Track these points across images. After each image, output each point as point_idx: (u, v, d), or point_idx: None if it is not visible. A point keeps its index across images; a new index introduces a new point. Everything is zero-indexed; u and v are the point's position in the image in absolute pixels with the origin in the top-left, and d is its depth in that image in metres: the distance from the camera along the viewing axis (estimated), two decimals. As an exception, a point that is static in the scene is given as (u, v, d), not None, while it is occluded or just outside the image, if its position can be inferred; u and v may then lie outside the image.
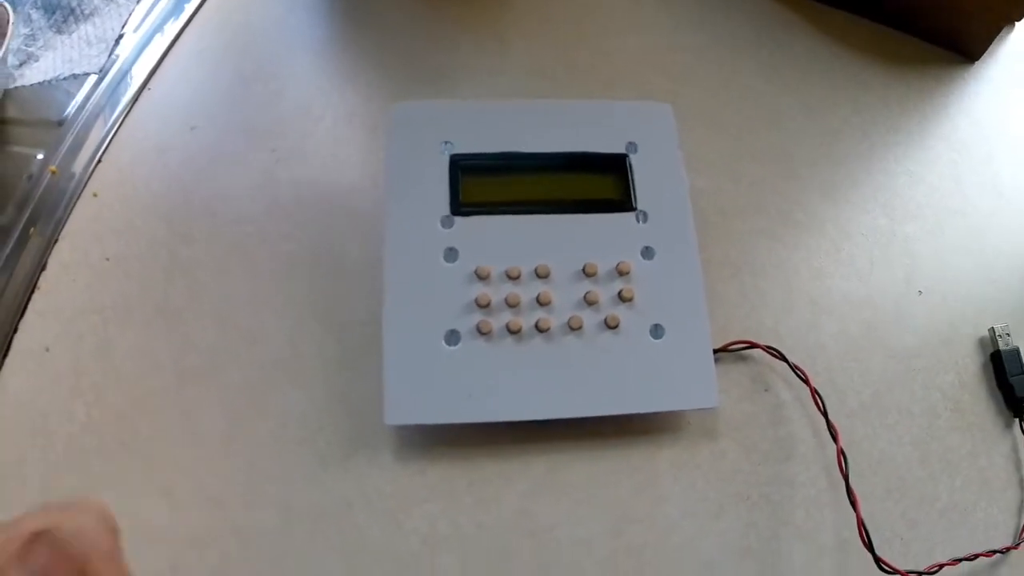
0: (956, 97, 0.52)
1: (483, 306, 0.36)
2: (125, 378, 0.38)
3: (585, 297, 0.37)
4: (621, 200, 0.39)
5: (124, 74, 0.48)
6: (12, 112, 0.47)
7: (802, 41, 0.53)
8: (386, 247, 0.37)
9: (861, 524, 0.34)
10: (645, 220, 0.39)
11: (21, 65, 0.48)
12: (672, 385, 0.36)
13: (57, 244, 0.41)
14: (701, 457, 0.38)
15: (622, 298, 0.37)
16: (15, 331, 0.38)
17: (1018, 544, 0.37)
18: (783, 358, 0.39)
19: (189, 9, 0.50)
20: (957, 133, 0.50)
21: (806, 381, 0.38)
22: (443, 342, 0.35)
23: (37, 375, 0.37)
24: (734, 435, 0.38)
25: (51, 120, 0.46)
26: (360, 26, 0.51)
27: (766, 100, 0.50)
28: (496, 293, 0.36)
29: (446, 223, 0.38)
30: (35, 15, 0.50)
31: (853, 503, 0.35)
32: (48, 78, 0.48)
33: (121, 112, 0.46)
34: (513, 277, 0.37)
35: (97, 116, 0.46)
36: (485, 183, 0.39)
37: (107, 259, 0.41)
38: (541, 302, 0.36)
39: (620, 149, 0.40)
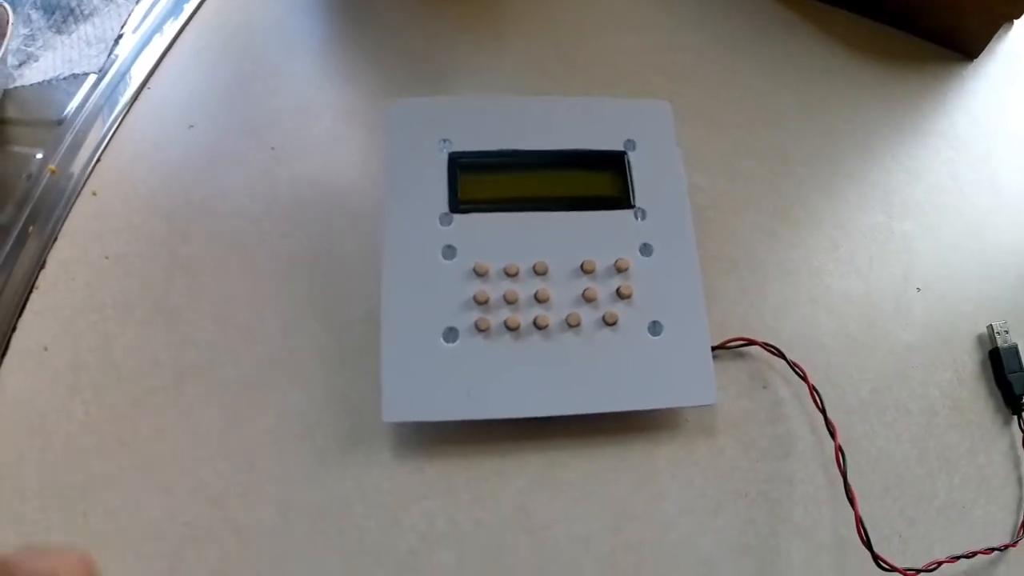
0: (954, 95, 0.52)
1: (481, 303, 0.36)
2: (124, 377, 0.38)
3: (583, 294, 0.37)
4: (619, 197, 0.39)
5: (123, 74, 0.48)
6: (12, 112, 0.47)
7: (801, 39, 0.53)
8: (384, 244, 0.37)
9: (859, 521, 0.34)
10: (643, 217, 0.39)
11: (21, 65, 0.48)
12: (670, 382, 0.36)
13: (56, 243, 0.41)
14: (699, 454, 0.38)
15: (620, 295, 0.37)
16: (14, 330, 0.38)
17: (1016, 542, 0.37)
18: (781, 355, 0.39)
19: (188, 9, 0.51)
20: (955, 131, 0.50)
21: (804, 378, 0.38)
22: (441, 339, 0.36)
23: (36, 374, 0.38)
24: (732, 432, 0.38)
25: (50, 119, 0.46)
26: (359, 25, 0.51)
27: (764, 98, 0.50)
28: (494, 290, 0.36)
29: (444, 220, 0.38)
30: (34, 15, 0.50)
31: (851, 500, 0.35)
32: (47, 78, 0.48)
33: (120, 111, 0.46)
34: (511, 274, 0.37)
35: (96, 115, 0.46)
36: (483, 180, 0.39)
37: (106, 258, 0.41)
38: (539, 299, 0.36)
39: (618, 146, 0.40)
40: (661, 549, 0.36)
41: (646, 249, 0.38)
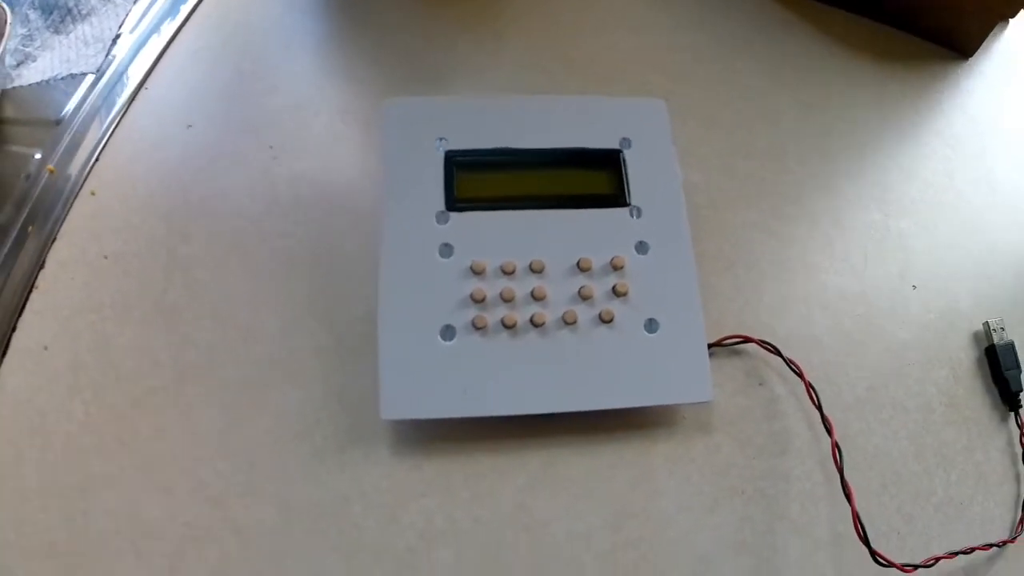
0: (950, 93, 0.52)
1: (478, 301, 0.36)
2: (124, 376, 0.38)
3: (579, 292, 0.37)
4: (615, 195, 0.39)
5: (121, 74, 0.48)
6: (10, 112, 0.47)
7: (798, 39, 0.53)
8: (382, 243, 0.37)
9: (856, 517, 0.34)
10: (639, 215, 0.39)
11: (19, 65, 0.48)
12: (666, 379, 0.36)
13: (55, 243, 0.41)
14: (696, 451, 0.38)
15: (616, 293, 0.37)
16: (13, 330, 0.39)
17: (1014, 538, 0.37)
18: (777, 352, 0.39)
19: (185, 9, 0.51)
20: (951, 129, 0.50)
21: (800, 375, 0.38)
22: (438, 337, 0.36)
23: (35, 374, 0.38)
24: (729, 429, 0.39)
25: (49, 119, 0.46)
26: (357, 24, 0.51)
27: (762, 97, 0.50)
28: (491, 288, 0.36)
29: (441, 219, 0.38)
30: (32, 15, 0.50)
31: (848, 496, 0.35)
32: (45, 78, 0.48)
33: (118, 111, 0.46)
34: (508, 272, 0.37)
35: (94, 115, 0.46)
36: (480, 179, 0.39)
37: (105, 257, 0.41)
38: (536, 297, 0.37)
39: (614, 145, 0.40)
40: (659, 546, 0.36)
41: (642, 247, 0.38)
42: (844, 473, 0.35)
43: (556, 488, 0.37)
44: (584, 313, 0.37)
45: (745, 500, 0.37)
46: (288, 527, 0.35)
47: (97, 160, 0.44)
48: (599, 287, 0.37)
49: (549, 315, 0.36)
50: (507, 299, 0.36)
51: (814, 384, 0.38)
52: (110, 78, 0.48)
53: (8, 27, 0.46)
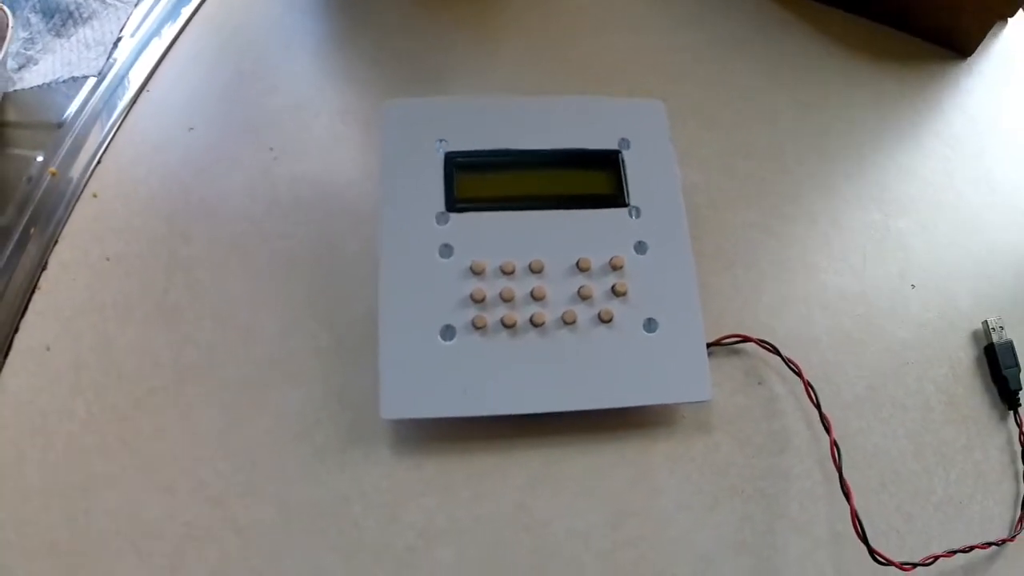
0: (949, 93, 0.52)
1: (478, 301, 0.36)
2: (125, 377, 0.38)
3: (579, 292, 0.37)
4: (614, 195, 0.39)
5: (122, 77, 0.48)
6: (12, 115, 0.47)
7: (796, 39, 0.53)
8: (382, 244, 0.37)
9: (855, 516, 0.34)
10: (638, 215, 0.39)
11: (20, 68, 0.49)
12: (666, 378, 0.36)
13: (57, 244, 0.41)
14: (696, 450, 0.38)
15: (615, 292, 0.37)
16: (16, 331, 0.39)
17: (1014, 536, 0.37)
18: (776, 352, 0.39)
19: (186, 12, 0.51)
20: (950, 129, 0.51)
21: (799, 374, 0.38)
22: (438, 337, 0.36)
23: (38, 374, 0.38)
24: (728, 428, 0.39)
25: (50, 122, 0.46)
26: (356, 25, 0.52)
27: (760, 97, 0.50)
28: (491, 288, 0.37)
29: (441, 219, 0.38)
30: (34, 19, 0.50)
31: (847, 495, 0.35)
32: (47, 81, 0.48)
33: (120, 114, 0.46)
34: (507, 272, 0.37)
35: (96, 118, 0.46)
36: (479, 179, 0.39)
37: (107, 259, 0.41)
38: (535, 297, 0.37)
39: (613, 145, 0.40)
40: (659, 545, 0.36)
41: (641, 247, 0.38)
42: (843, 472, 0.35)
43: (556, 487, 0.37)
44: (583, 313, 0.37)
45: (744, 499, 0.37)
46: (288, 527, 0.35)
47: (99, 162, 0.44)
48: (598, 287, 0.37)
49: (548, 315, 0.37)
50: (507, 299, 0.36)
51: (813, 383, 0.38)
52: (111, 81, 0.48)
53: (10, 30, 0.46)
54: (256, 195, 0.44)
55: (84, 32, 0.51)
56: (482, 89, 0.49)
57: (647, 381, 0.36)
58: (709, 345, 0.38)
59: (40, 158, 0.45)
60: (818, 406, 0.37)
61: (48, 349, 0.38)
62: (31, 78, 0.48)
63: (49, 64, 0.49)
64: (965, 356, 0.42)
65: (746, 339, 0.40)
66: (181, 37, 0.50)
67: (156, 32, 0.50)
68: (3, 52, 0.45)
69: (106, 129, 0.46)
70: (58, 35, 0.50)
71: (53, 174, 0.44)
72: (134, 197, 0.43)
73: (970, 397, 0.41)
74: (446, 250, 0.37)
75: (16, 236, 0.42)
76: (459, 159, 0.39)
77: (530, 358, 0.36)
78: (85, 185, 0.43)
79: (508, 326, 0.36)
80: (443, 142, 0.39)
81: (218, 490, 0.36)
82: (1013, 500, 0.39)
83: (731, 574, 0.35)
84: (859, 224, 0.46)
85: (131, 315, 0.40)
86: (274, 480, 0.36)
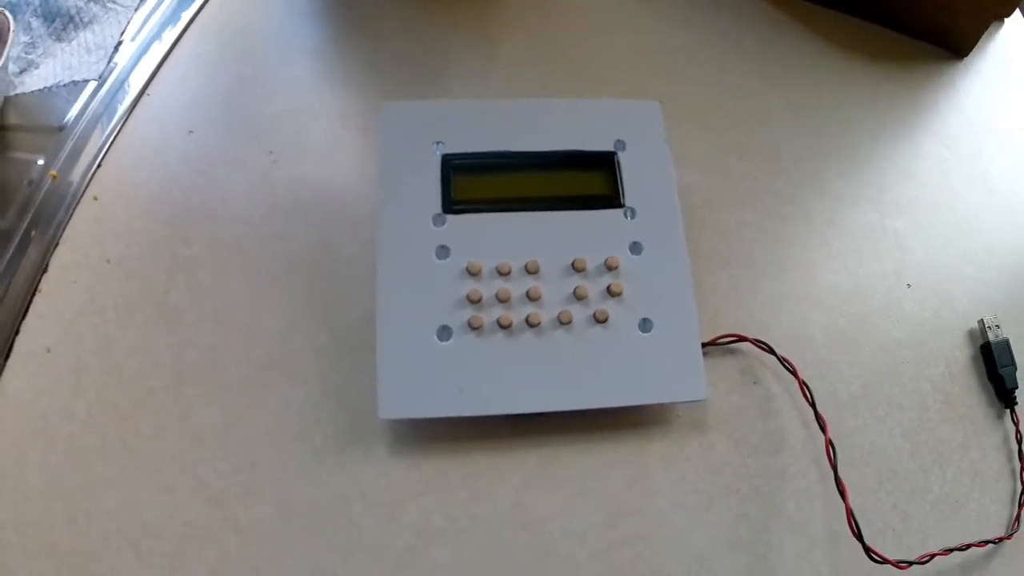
0: (945, 93, 0.52)
1: (474, 302, 0.37)
2: (125, 378, 0.38)
3: (574, 292, 0.37)
4: (610, 196, 0.40)
5: (123, 80, 0.49)
6: (13, 119, 0.48)
7: (790, 39, 0.53)
8: (379, 245, 0.38)
9: (850, 513, 0.34)
10: (633, 216, 0.39)
11: (21, 72, 0.49)
12: (661, 378, 0.37)
13: (58, 247, 0.42)
14: (691, 450, 0.38)
15: (611, 293, 0.37)
16: (17, 333, 0.39)
17: (1011, 534, 0.37)
18: (772, 351, 0.39)
19: (186, 16, 0.51)
20: (946, 129, 0.51)
21: (795, 373, 0.38)
22: (435, 337, 0.36)
23: (38, 376, 0.38)
24: (723, 428, 0.39)
25: (51, 126, 0.47)
26: (355, 29, 0.52)
27: (755, 98, 0.50)
28: (487, 289, 0.37)
29: (438, 221, 0.38)
30: (35, 23, 0.51)
31: (842, 493, 0.35)
32: (48, 85, 0.49)
33: (120, 117, 0.47)
34: (504, 273, 0.37)
35: (97, 122, 0.47)
36: (476, 181, 0.39)
37: (107, 261, 0.41)
38: (531, 297, 0.37)
39: (608, 147, 0.41)
40: (655, 544, 0.36)
41: (636, 247, 0.39)
42: (838, 470, 0.35)
43: (553, 486, 0.37)
44: (579, 313, 0.37)
45: (740, 498, 0.37)
46: (288, 526, 0.35)
47: (99, 166, 0.45)
48: (594, 287, 0.38)
49: (544, 315, 0.37)
50: (503, 299, 0.37)
51: (808, 382, 0.38)
52: (112, 85, 0.48)
53: (11, 34, 0.46)
54: (256, 198, 0.44)
55: (85, 36, 0.51)
56: (480, 91, 0.49)
57: (642, 381, 0.36)
58: (704, 345, 0.38)
59: (41, 161, 0.45)
60: (813, 405, 0.38)
61: (49, 351, 0.39)
62: (32, 82, 0.49)
63: (50, 68, 0.49)
64: (961, 355, 0.42)
65: (741, 339, 0.40)
66: (181, 41, 0.51)
67: (156, 36, 0.51)
68: (4, 56, 0.45)
69: (107, 132, 0.46)
70: (59, 39, 0.51)
71: (54, 177, 0.44)
72: (134, 200, 0.44)
73: (966, 396, 0.41)
74: (443, 251, 0.38)
75: (17, 239, 0.42)
76: (455, 161, 0.39)
77: (526, 358, 0.36)
78: (86, 188, 0.44)
79: (504, 326, 0.36)
80: (440, 144, 0.40)
81: (218, 490, 0.36)
82: (1010, 498, 0.39)
83: (727, 573, 0.36)
84: (855, 224, 0.46)
85: (131, 317, 0.40)
86: (273, 480, 0.36)
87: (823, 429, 0.37)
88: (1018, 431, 0.40)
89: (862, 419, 0.40)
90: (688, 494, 0.37)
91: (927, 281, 0.44)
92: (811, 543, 0.36)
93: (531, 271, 0.37)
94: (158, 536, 0.35)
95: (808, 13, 0.55)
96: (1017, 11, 0.54)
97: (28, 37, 0.50)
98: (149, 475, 0.36)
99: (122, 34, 0.51)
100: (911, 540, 0.37)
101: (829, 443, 0.36)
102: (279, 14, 0.52)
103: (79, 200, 0.43)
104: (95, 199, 0.43)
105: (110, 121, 0.46)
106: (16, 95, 0.48)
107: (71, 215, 0.43)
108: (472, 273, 0.37)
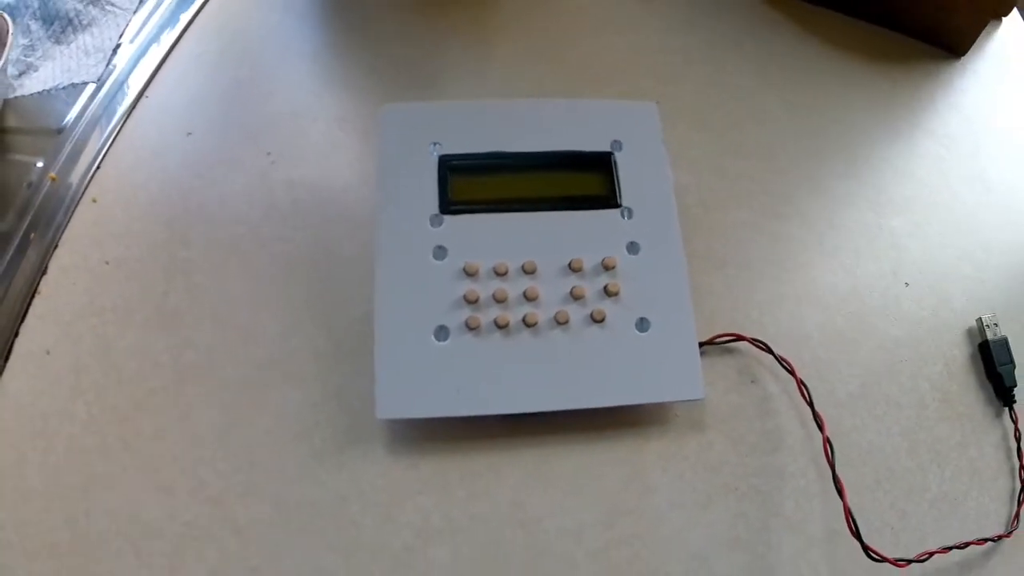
0: (943, 93, 0.52)
1: (471, 302, 0.37)
2: (125, 379, 0.38)
3: (571, 292, 0.37)
4: (606, 197, 0.40)
5: (121, 83, 0.49)
6: (12, 121, 0.48)
7: (787, 39, 0.53)
8: (377, 246, 0.38)
9: (848, 512, 0.34)
10: (630, 216, 0.39)
11: (20, 75, 0.49)
12: (658, 377, 0.37)
13: (57, 249, 0.42)
14: (689, 449, 0.38)
15: (608, 292, 0.37)
16: (16, 335, 0.39)
17: (1010, 532, 0.37)
18: (769, 350, 0.39)
19: (185, 19, 0.51)
20: (944, 128, 0.51)
21: (792, 372, 0.39)
22: (433, 338, 0.36)
23: (38, 377, 0.38)
24: (721, 427, 0.39)
25: (50, 128, 0.47)
26: (353, 31, 0.52)
27: (752, 98, 0.50)
28: (484, 289, 0.37)
29: (435, 222, 0.38)
30: (34, 26, 0.51)
31: (840, 491, 0.35)
32: (47, 87, 0.49)
33: (119, 120, 0.47)
34: (501, 273, 0.37)
35: (95, 124, 0.47)
36: (473, 182, 0.39)
37: (106, 263, 0.42)
38: (528, 297, 0.37)
39: (605, 147, 0.41)
40: (653, 543, 0.36)
41: (633, 247, 0.39)
42: (836, 469, 0.36)
43: (550, 486, 0.37)
44: (576, 313, 0.37)
45: (738, 497, 0.37)
46: (287, 526, 0.35)
47: (98, 168, 0.45)
48: (591, 287, 0.38)
49: (541, 315, 0.37)
50: (500, 300, 0.37)
51: (806, 381, 0.38)
52: (111, 87, 0.49)
53: (10, 37, 0.46)
54: (254, 200, 0.44)
55: (84, 39, 0.51)
56: (478, 93, 0.49)
57: (640, 380, 0.37)
58: (702, 344, 0.38)
59: (40, 164, 0.45)
60: (811, 404, 0.38)
61: (48, 353, 0.39)
62: (31, 84, 0.49)
63: (49, 71, 0.50)
64: (959, 353, 0.43)
65: (739, 338, 0.40)
66: (180, 43, 0.51)
67: (155, 38, 0.51)
68: (3, 59, 0.46)
69: (105, 134, 0.46)
70: (58, 42, 0.51)
71: (53, 179, 0.44)
72: (133, 202, 0.44)
73: (964, 394, 0.41)
74: (440, 252, 0.38)
75: (16, 241, 0.42)
76: (453, 162, 0.39)
77: (523, 358, 0.36)
78: (85, 190, 0.44)
79: (501, 326, 0.36)
80: (437, 145, 0.40)
81: (217, 490, 0.36)
82: (1009, 496, 0.39)
83: (725, 572, 0.36)
84: (852, 223, 0.46)
85: (131, 318, 0.40)
86: (273, 480, 0.36)
87: (821, 428, 0.37)
88: (1016, 429, 0.40)
89: (860, 418, 0.40)
90: (686, 493, 0.37)
91: (925, 280, 0.44)
92: (809, 542, 0.36)
93: (528, 271, 0.37)
94: (158, 536, 0.35)
95: (805, 13, 0.55)
96: (1015, 10, 0.54)
97: (27, 40, 0.50)
98: (149, 475, 0.36)
99: (121, 36, 0.51)
100: (910, 538, 0.37)
101: (827, 442, 0.36)
102: (277, 16, 0.52)
103: (78, 202, 0.43)
104: (94, 201, 0.44)
105: (109, 123, 0.47)
106: (15, 98, 0.48)
107: (70, 217, 0.43)
108: (469, 273, 0.37)
